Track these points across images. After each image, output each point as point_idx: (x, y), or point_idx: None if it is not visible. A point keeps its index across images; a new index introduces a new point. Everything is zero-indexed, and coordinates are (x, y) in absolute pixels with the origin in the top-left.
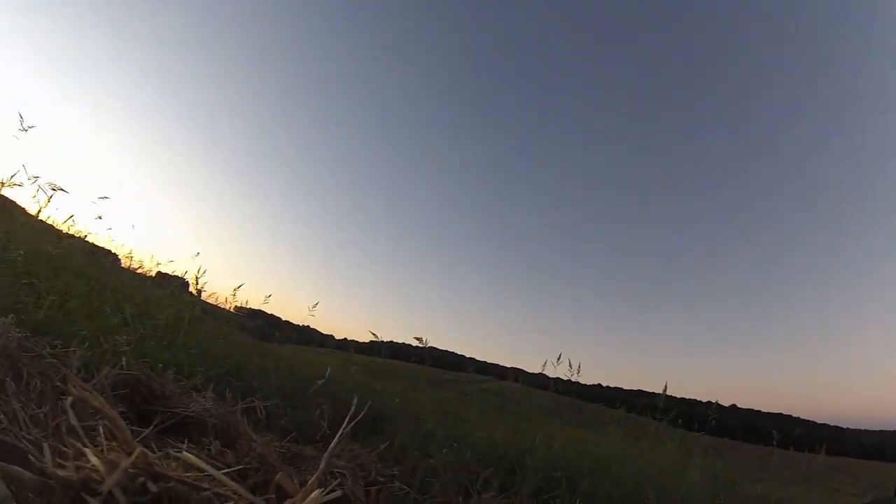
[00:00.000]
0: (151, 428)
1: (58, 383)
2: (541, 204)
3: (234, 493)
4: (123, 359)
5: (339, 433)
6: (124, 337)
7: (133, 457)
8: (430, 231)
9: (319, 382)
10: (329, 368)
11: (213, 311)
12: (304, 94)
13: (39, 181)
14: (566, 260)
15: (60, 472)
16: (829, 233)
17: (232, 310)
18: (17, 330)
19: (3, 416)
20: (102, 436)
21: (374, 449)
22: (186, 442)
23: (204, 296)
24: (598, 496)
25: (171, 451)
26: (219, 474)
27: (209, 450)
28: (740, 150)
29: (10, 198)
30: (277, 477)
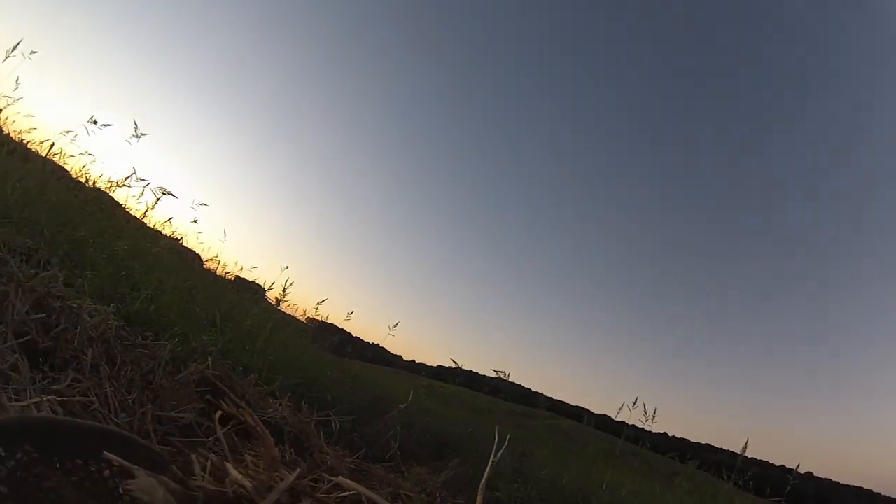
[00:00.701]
0: (227, 428)
1: (147, 373)
2: (625, 250)
3: None
4: (209, 358)
5: (487, 467)
6: (211, 337)
7: (293, 477)
8: (511, 265)
9: (402, 406)
10: (411, 392)
11: (288, 321)
12: (402, 118)
13: (149, 185)
14: (643, 305)
15: (209, 486)
16: None
17: (305, 321)
18: (115, 319)
19: (95, 398)
20: (220, 447)
21: (439, 474)
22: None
23: (282, 306)
24: None
25: (324, 475)
26: (378, 498)
27: (283, 457)
28: (842, 200)
29: (116, 199)
30: None
